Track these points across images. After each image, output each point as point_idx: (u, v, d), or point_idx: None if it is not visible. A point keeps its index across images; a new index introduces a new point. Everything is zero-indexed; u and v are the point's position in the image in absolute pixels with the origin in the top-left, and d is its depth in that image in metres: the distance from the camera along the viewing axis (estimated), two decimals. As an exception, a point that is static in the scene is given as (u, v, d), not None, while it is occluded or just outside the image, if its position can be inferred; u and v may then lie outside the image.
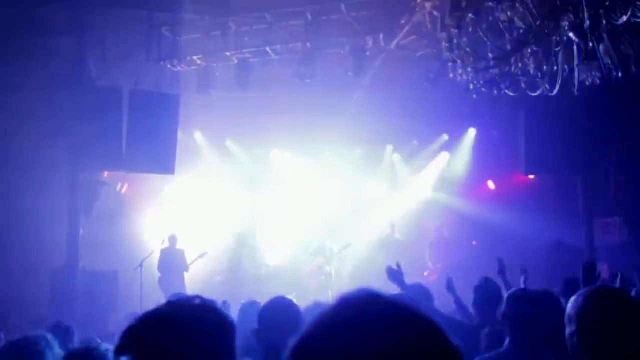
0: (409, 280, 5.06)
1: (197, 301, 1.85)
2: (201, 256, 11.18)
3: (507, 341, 3.20)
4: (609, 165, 10.66)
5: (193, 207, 12.79)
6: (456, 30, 6.07)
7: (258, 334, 2.98)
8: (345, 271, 12.48)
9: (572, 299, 2.44)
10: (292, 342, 0.93)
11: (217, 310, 1.75)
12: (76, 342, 4.13)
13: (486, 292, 4.57)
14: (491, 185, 13.70)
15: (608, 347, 2.21)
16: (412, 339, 0.89)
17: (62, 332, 4.07)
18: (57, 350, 2.78)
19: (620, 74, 5.75)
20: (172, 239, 11.31)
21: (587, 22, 5.05)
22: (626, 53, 5.80)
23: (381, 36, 9.85)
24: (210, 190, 13.15)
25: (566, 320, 2.44)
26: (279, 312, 3.15)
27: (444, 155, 13.77)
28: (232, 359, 1.66)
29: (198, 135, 12.81)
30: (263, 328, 3.03)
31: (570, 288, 4.38)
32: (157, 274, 10.86)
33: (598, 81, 5.80)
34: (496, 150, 12.33)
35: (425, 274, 12.09)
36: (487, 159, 12.68)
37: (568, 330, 2.39)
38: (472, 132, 13.45)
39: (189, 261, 11.12)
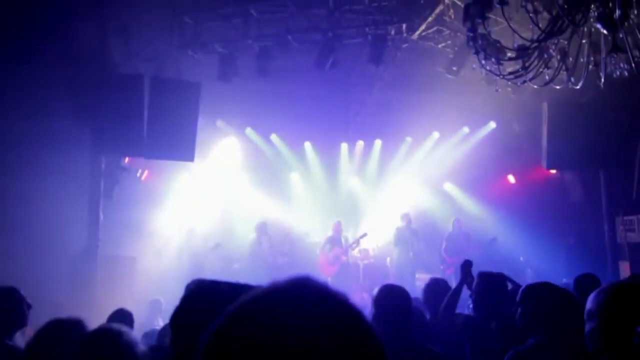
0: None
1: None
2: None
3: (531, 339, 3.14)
4: (632, 161, 10.44)
5: (211, 195, 12.85)
6: (480, 20, 5.96)
7: (373, 320, 3.16)
8: (361, 261, 12.48)
9: (592, 294, 2.38)
10: (211, 326, 0.89)
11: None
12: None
13: (485, 287, 4.53)
14: (511, 179, 13.55)
15: (631, 344, 2.15)
16: (333, 332, 0.85)
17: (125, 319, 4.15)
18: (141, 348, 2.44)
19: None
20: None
21: (618, 12, 4.91)
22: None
23: (404, 26, 9.75)
24: (228, 178, 13.19)
25: (586, 316, 2.38)
26: (393, 298, 3.35)
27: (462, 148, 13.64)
28: None
29: (220, 123, 12.84)
30: (378, 314, 3.28)
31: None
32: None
33: (626, 73, 5.66)
34: (517, 144, 12.17)
35: (442, 267, 12.00)
36: (507, 152, 12.51)
37: (588, 326, 2.33)
38: (492, 125, 13.29)
39: None
